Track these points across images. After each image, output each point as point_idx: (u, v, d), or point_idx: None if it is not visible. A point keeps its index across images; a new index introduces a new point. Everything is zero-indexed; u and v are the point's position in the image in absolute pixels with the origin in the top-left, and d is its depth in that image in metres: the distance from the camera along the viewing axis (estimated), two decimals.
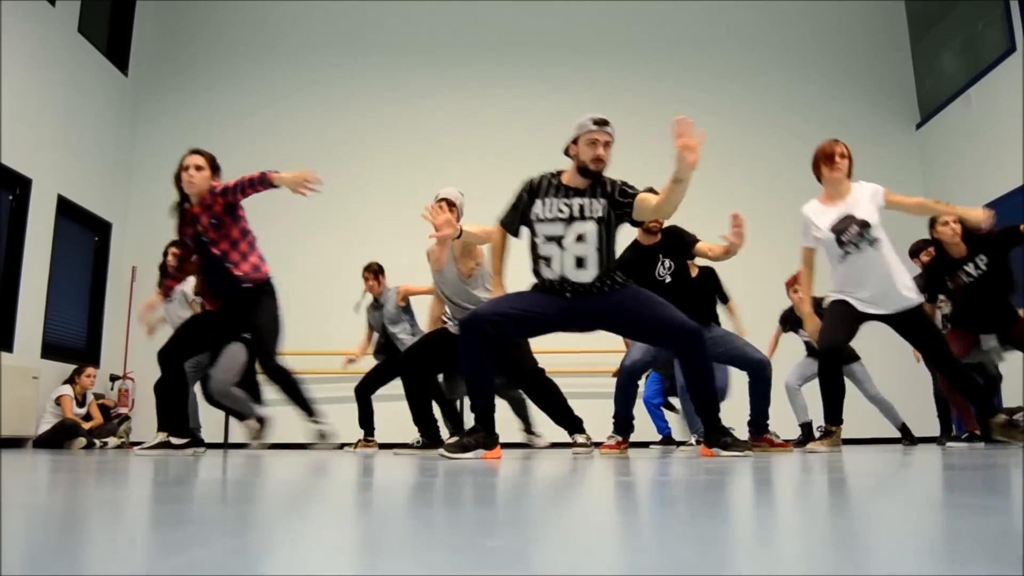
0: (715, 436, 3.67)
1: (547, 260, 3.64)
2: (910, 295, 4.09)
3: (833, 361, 4.12)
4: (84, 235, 8.47)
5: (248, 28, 9.83)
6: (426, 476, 2.20)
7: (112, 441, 6.95)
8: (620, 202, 3.70)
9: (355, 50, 9.69)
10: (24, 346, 7.23)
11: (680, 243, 4.64)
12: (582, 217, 3.65)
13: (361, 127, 9.37)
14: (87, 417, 7.15)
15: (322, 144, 9.36)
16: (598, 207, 3.69)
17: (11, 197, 7.33)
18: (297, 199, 9.34)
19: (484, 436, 3.51)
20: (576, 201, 3.67)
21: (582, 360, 7.69)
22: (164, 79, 9.67)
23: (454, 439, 3.66)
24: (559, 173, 3.76)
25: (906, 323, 4.12)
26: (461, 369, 3.64)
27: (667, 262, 4.59)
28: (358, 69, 9.65)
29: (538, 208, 3.68)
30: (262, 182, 4.22)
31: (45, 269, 7.59)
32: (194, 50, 9.78)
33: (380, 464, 3.15)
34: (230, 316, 4.48)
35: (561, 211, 3.66)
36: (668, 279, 4.56)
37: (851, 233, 4.11)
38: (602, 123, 3.67)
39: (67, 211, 8.00)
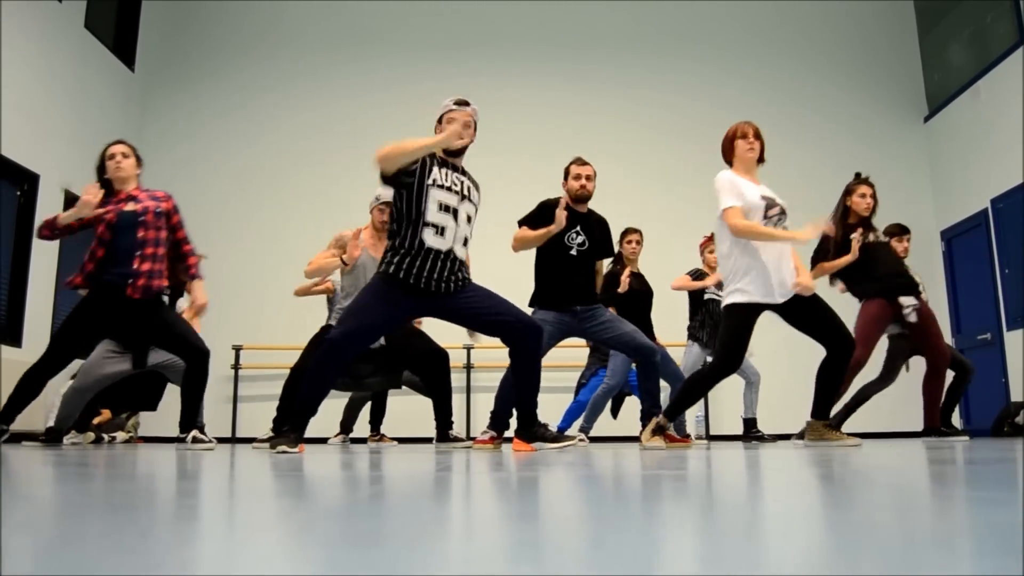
0: (534, 430, 3.89)
1: (439, 229, 3.68)
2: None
3: (726, 375, 4.05)
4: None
5: (255, 24, 9.83)
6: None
7: (120, 436, 6.96)
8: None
9: (363, 47, 9.69)
10: (32, 341, 7.25)
11: (603, 236, 4.76)
12: (468, 199, 3.80)
13: (368, 124, 9.36)
14: (95, 413, 7.17)
15: (328, 140, 9.37)
16: (477, 198, 3.89)
17: (19, 192, 7.36)
18: (305, 197, 9.37)
19: (298, 436, 3.72)
20: (464, 181, 3.82)
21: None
22: (171, 75, 9.68)
23: (281, 435, 3.85)
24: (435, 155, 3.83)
25: (800, 307, 4.03)
26: (311, 374, 3.73)
27: (581, 237, 4.60)
28: (366, 66, 9.64)
29: (436, 173, 3.71)
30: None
31: (53, 264, 7.62)
32: (200, 46, 9.79)
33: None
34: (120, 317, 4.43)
35: (455, 184, 3.76)
36: (574, 251, 4.58)
37: (774, 211, 4.05)
38: (463, 103, 3.85)
39: None
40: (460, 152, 3.84)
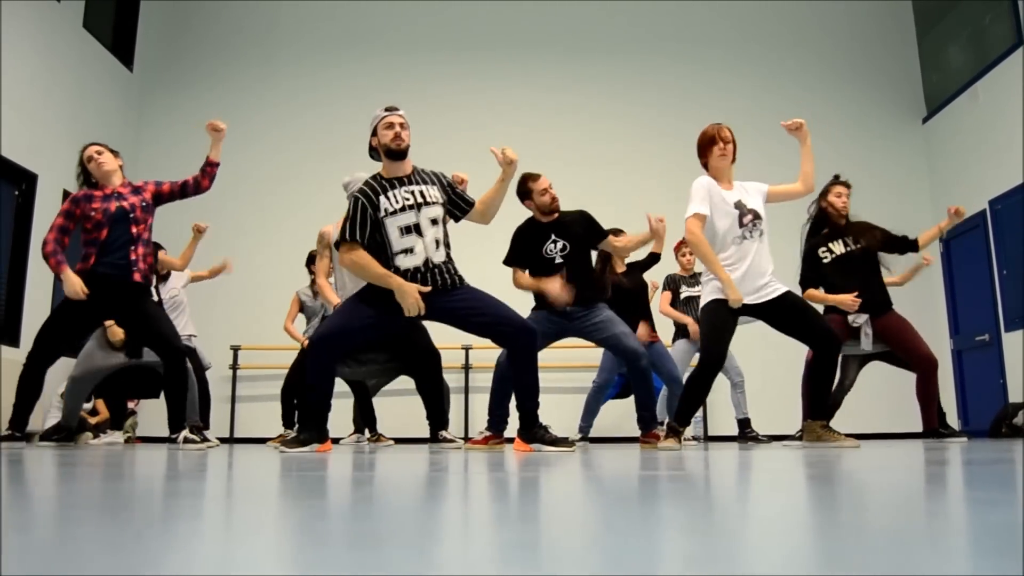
0: (534, 431, 3.89)
1: (408, 251, 3.76)
2: (780, 285, 4.09)
3: (714, 371, 4.08)
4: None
5: (254, 24, 9.82)
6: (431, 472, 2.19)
7: (118, 436, 6.96)
8: (449, 194, 3.94)
9: (362, 48, 9.69)
10: (30, 341, 7.23)
11: (587, 230, 4.76)
12: (425, 204, 3.81)
13: (368, 125, 9.35)
14: (93, 412, 7.17)
15: (327, 141, 9.36)
16: (436, 193, 3.88)
17: (17, 192, 7.35)
18: (304, 198, 9.35)
19: (318, 433, 3.86)
20: (415, 188, 3.84)
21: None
22: (169, 75, 9.67)
23: (292, 436, 4.01)
24: (376, 174, 3.93)
25: (778, 309, 4.05)
26: (308, 377, 3.89)
27: (560, 243, 4.65)
28: (365, 67, 9.64)
29: (385, 203, 3.78)
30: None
31: None
32: (199, 45, 9.78)
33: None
34: (101, 304, 4.51)
35: (407, 199, 3.80)
36: (558, 259, 4.63)
37: (748, 219, 4.09)
38: (392, 108, 3.93)
39: None
40: (403, 156, 3.87)
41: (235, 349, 8.62)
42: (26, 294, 7.24)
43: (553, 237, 4.65)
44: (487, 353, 8.14)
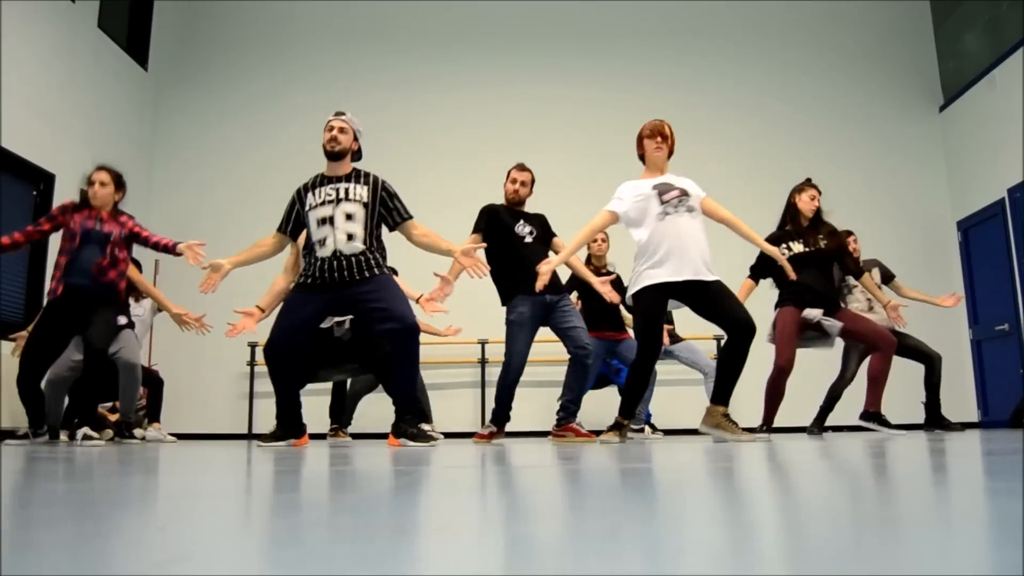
0: (401, 426, 3.98)
1: (322, 241, 3.98)
2: (709, 271, 4.04)
3: (653, 359, 4.10)
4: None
5: (268, 23, 9.86)
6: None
7: (137, 433, 7.02)
8: (385, 201, 4.11)
9: (375, 44, 9.70)
10: None
11: (544, 226, 5.03)
12: (346, 199, 4.02)
13: (381, 121, 9.36)
14: (113, 409, 7.23)
15: None
16: (362, 192, 4.06)
17: (35, 192, 7.42)
18: None
19: (294, 428, 4.12)
20: (341, 185, 4.07)
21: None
22: (184, 74, 9.73)
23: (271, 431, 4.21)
24: (319, 173, 4.22)
25: (702, 293, 4.03)
26: (272, 382, 4.13)
27: (528, 227, 4.91)
28: (378, 63, 9.65)
29: (309, 198, 4.09)
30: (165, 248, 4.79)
31: None
32: (214, 44, 9.83)
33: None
34: (72, 309, 4.71)
35: (328, 195, 4.05)
36: (527, 239, 4.86)
37: (672, 195, 4.10)
38: (339, 114, 4.20)
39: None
40: (336, 157, 4.11)
41: (252, 346, 8.66)
42: (45, 294, 7.30)
43: (522, 222, 4.92)
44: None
